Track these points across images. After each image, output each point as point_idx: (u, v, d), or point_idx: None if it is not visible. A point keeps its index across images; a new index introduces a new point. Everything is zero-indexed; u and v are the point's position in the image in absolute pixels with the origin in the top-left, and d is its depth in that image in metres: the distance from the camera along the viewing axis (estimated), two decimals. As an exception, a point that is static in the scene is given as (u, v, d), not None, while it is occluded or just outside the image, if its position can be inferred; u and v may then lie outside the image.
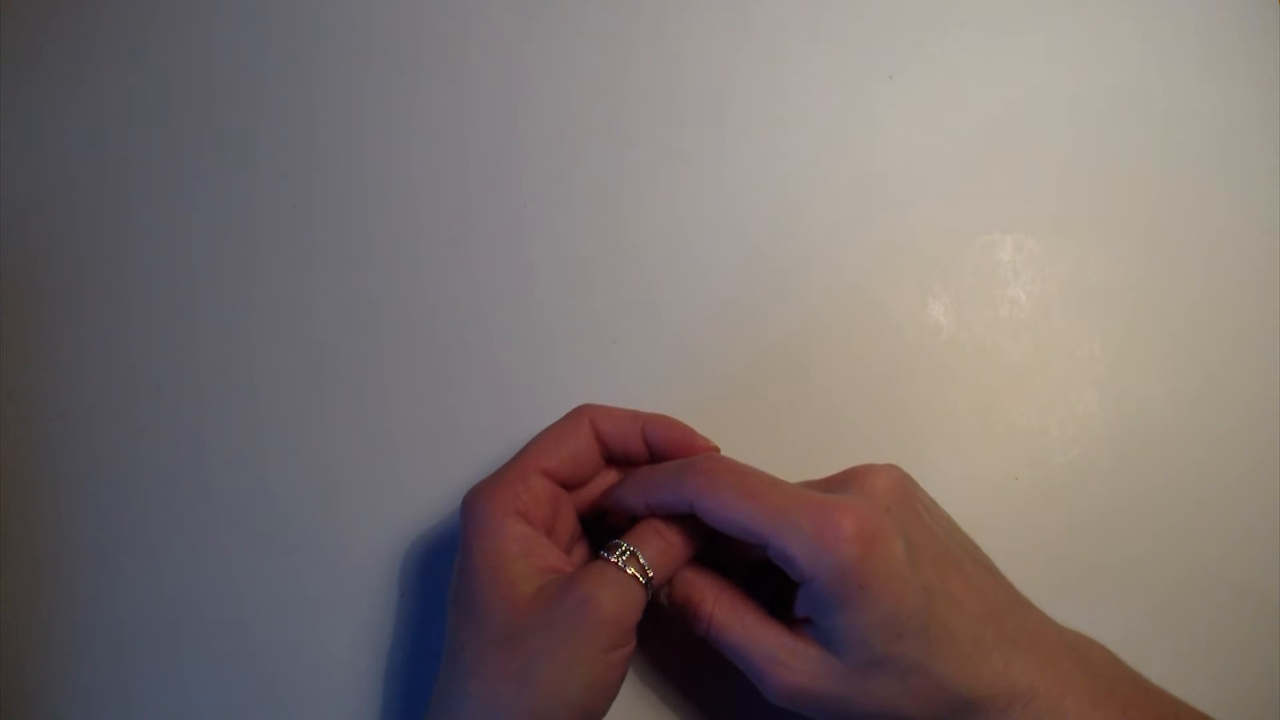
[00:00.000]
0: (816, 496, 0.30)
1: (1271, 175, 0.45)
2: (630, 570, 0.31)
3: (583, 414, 0.35)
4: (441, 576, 0.39)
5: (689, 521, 0.33)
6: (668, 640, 0.38)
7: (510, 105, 0.46)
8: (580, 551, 0.36)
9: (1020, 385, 0.42)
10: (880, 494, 0.32)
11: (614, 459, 0.36)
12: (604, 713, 0.32)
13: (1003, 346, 0.43)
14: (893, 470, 0.33)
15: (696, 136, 0.45)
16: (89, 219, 0.45)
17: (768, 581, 0.34)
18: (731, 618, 0.32)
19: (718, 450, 0.35)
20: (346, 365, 0.42)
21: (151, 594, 0.40)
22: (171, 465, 0.41)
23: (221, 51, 0.47)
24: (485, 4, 0.47)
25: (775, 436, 0.41)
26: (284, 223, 0.44)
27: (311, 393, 0.42)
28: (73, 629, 0.40)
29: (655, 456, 0.35)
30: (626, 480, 0.35)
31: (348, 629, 0.39)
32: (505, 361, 0.42)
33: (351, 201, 0.45)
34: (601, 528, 0.37)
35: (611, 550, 0.32)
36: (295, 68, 0.47)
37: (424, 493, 0.41)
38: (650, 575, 0.32)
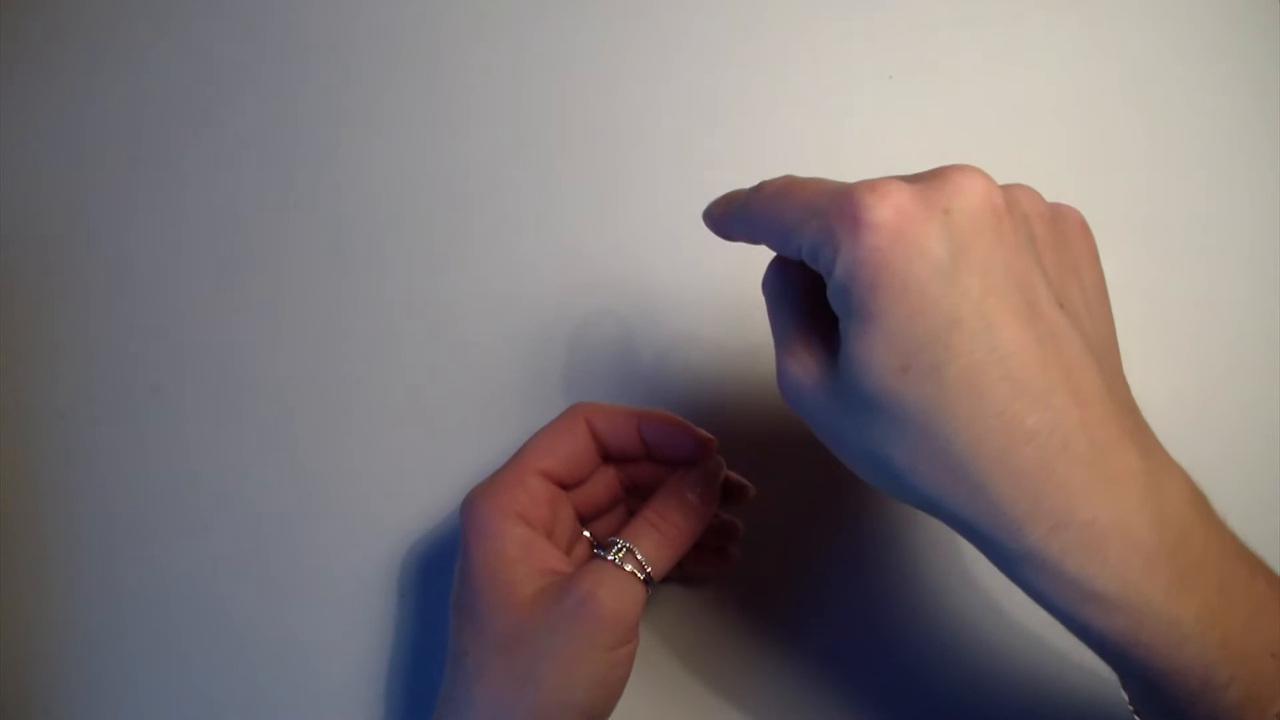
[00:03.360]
0: (856, 183, 0.25)
1: (1271, 175, 0.45)
2: (628, 567, 0.31)
3: (578, 413, 0.34)
4: (441, 578, 0.39)
5: (685, 511, 0.33)
6: (671, 640, 0.37)
7: (510, 105, 0.46)
8: (580, 551, 0.36)
9: (1020, 385, 0.42)
10: (949, 193, 0.25)
11: (611, 456, 0.36)
12: (609, 712, 0.32)
13: (1003, 346, 0.43)
14: (986, 181, 0.26)
15: (696, 136, 0.45)
16: (89, 219, 0.45)
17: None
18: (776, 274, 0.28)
19: (714, 442, 0.35)
20: (345, 365, 0.42)
21: (151, 594, 0.40)
22: (171, 465, 0.41)
23: (221, 52, 0.47)
24: (485, 4, 0.47)
25: (775, 435, 0.41)
26: (284, 223, 0.45)
27: (310, 393, 0.42)
28: (74, 629, 0.40)
29: (652, 452, 0.35)
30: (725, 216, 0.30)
31: (347, 631, 0.39)
32: (504, 361, 0.42)
33: (351, 202, 0.45)
34: (601, 527, 0.36)
35: (608, 549, 0.32)
36: (295, 68, 0.47)
37: (423, 493, 0.41)
38: (648, 570, 0.32)
